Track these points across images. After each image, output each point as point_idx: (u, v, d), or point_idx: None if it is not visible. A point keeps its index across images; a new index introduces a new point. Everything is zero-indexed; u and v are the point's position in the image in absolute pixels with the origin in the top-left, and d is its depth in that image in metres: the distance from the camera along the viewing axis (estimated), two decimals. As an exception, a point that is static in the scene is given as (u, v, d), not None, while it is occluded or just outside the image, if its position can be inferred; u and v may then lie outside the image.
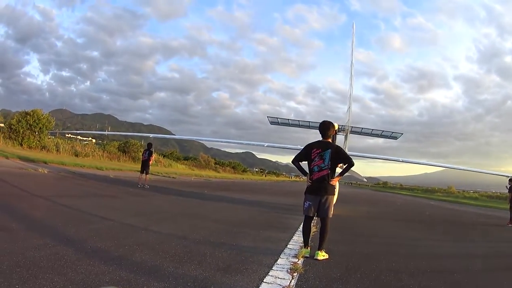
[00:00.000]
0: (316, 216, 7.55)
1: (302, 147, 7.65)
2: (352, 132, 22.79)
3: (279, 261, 6.59)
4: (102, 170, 31.73)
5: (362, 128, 25.70)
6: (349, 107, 18.99)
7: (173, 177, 38.32)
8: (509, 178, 20.01)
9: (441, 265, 8.04)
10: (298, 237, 9.33)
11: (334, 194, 7.47)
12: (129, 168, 38.32)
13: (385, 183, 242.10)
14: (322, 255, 7.04)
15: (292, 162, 7.72)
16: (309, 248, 7.35)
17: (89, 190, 16.66)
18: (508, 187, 19.84)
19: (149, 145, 23.26)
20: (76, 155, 42.98)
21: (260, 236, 9.26)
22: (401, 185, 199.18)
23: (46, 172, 20.85)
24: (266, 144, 30.04)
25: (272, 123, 29.92)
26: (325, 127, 7.43)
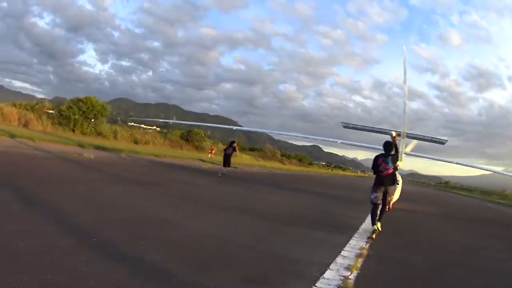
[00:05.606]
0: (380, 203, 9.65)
1: (372, 145, 11.29)
2: (408, 137, 22.92)
3: (327, 273, 5.34)
4: (159, 157, 31.17)
5: (415, 134, 27.75)
6: (404, 121, 18.48)
7: (234, 168, 37.24)
8: None
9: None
10: (356, 241, 8.05)
11: (393, 185, 10.01)
12: (189, 157, 37.89)
13: (446, 182, 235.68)
14: (379, 225, 9.10)
15: (372, 168, 10.08)
16: (376, 224, 9.14)
17: (133, 176, 15.94)
18: None
19: (232, 142, 24.71)
20: (136, 142, 43.18)
21: (311, 237, 8.11)
22: (461, 185, 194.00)
23: (92, 157, 20.09)
24: (339, 141, 30.31)
25: (345, 127, 30.86)
26: (387, 147, 10.02)
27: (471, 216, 25.10)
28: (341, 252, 6.81)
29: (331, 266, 5.72)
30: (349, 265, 5.88)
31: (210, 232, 7.09)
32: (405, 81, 19.85)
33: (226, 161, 23.46)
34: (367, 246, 7.58)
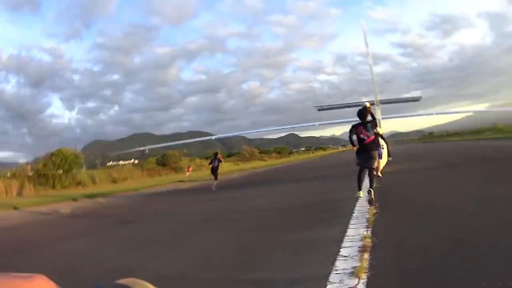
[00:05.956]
0: (366, 167, 10.44)
1: (349, 119, 11.99)
2: (382, 103, 24.22)
3: (328, 290, 4.02)
4: (138, 190, 29.42)
5: (389, 99, 32.20)
6: (375, 90, 19.88)
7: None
8: None
9: None
10: (354, 230, 6.70)
11: (377, 150, 10.88)
12: (168, 181, 36.65)
13: (430, 133, 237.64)
14: (372, 194, 9.29)
15: (349, 137, 10.79)
16: (361, 191, 10.03)
17: (103, 221, 14.00)
18: None
19: (215, 154, 25.12)
20: (114, 181, 41.78)
21: (300, 241, 6.71)
22: (447, 132, 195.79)
23: (69, 211, 17.46)
24: (317, 123, 32.48)
25: (320, 110, 34.63)
26: (361, 114, 10.59)
27: (466, 160, 23.94)
28: (339, 251, 5.46)
29: (331, 278, 4.36)
30: (353, 268, 4.56)
31: (184, 271, 5.66)
32: (368, 53, 20.36)
33: (214, 174, 23.59)
34: (369, 233, 6.27)
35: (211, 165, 24.67)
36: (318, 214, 9.35)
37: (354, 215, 8.12)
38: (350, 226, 7.11)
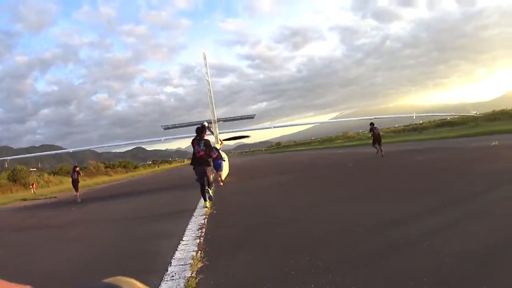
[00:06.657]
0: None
1: (190, 134, 12.70)
2: (219, 121, 29.00)
3: None
4: None
5: (225, 118, 33.90)
6: (212, 110, 22.08)
7: (54, 197, 31.31)
8: (370, 122, 26.64)
9: None
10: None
11: (210, 166, 12.55)
12: (14, 199, 33.30)
13: (278, 143, 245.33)
14: (208, 204, 11.31)
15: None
16: (207, 202, 11.31)
17: None
18: (369, 129, 26.29)
19: (75, 167, 26.31)
20: (-26, 200, 37.35)
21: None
22: (294, 141, 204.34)
23: None
24: (163, 138, 32.69)
25: (166, 129, 34.03)
26: (199, 131, 12.06)
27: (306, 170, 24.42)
28: None
29: None
30: None
31: None
32: (208, 82, 21.51)
33: (75, 187, 24.40)
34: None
35: (72, 178, 25.24)
36: (120, 267, 6.00)
37: (170, 268, 5.24)
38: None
